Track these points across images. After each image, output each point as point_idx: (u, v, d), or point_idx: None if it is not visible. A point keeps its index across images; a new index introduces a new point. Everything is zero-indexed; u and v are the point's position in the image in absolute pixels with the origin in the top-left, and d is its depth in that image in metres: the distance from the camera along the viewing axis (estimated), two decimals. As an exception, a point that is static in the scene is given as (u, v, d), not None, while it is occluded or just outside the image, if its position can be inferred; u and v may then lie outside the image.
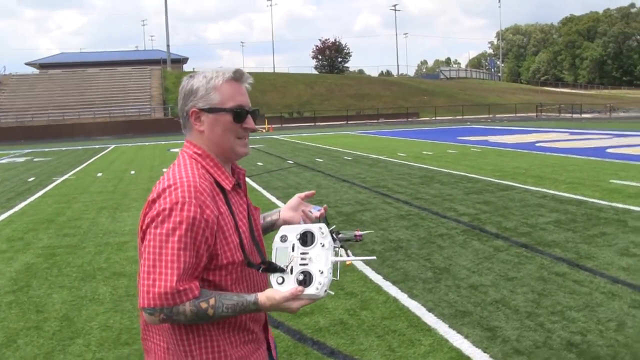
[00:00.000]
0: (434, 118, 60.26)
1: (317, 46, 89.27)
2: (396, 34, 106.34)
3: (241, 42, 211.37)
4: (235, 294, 1.75)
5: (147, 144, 33.80)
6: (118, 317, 5.20)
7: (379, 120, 57.64)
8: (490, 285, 5.53)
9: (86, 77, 63.46)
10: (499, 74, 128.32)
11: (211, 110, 1.80)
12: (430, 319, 4.79)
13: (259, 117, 1.97)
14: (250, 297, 1.72)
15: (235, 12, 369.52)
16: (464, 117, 59.89)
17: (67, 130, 48.27)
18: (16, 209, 11.52)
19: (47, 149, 32.65)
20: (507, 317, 4.72)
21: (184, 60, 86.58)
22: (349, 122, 55.85)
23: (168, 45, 73.61)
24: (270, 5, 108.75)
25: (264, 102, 62.33)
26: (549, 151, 18.98)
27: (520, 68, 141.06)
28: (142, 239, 1.73)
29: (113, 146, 32.83)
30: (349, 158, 19.09)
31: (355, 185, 12.68)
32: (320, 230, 1.78)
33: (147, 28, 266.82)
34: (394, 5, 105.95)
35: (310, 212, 2.06)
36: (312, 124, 55.32)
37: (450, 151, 20.39)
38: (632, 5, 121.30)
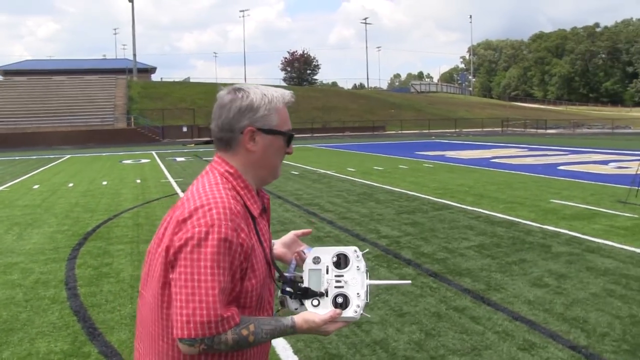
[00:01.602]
0: (400, 132, 60.09)
1: (285, 58, 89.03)
2: (366, 47, 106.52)
3: (214, 52, 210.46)
4: (272, 318, 1.70)
5: (104, 154, 32.90)
6: None
7: (345, 134, 57.24)
8: (378, 322, 4.97)
9: (49, 85, 62.19)
10: (470, 89, 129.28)
11: (270, 131, 1.76)
12: (291, 364, 4.21)
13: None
14: (287, 321, 1.69)
15: (211, 22, 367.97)
16: (431, 131, 59.82)
17: (27, 139, 46.92)
18: None
19: (-3, 159, 31.60)
20: (378, 364, 4.17)
21: (152, 69, 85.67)
22: (314, 135, 55.34)
23: (134, 55, 72.77)
24: (243, 16, 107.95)
25: (230, 113, 61.67)
26: (502, 167, 18.64)
27: (492, 83, 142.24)
28: (169, 263, 1.62)
29: (68, 156, 31.85)
30: (296, 173, 18.52)
31: (288, 202, 12.11)
32: (355, 253, 1.77)
33: (120, 37, 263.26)
34: (365, 19, 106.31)
35: (304, 252, 1.95)
36: (278, 136, 54.71)
37: (401, 166, 19.96)
38: (597, 24, 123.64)
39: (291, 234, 2.05)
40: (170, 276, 1.62)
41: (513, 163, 20.34)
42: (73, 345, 4.69)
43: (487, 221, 9.50)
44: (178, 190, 14.76)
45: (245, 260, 1.64)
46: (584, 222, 9.24)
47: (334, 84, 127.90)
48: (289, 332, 1.69)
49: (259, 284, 1.70)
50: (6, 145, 45.20)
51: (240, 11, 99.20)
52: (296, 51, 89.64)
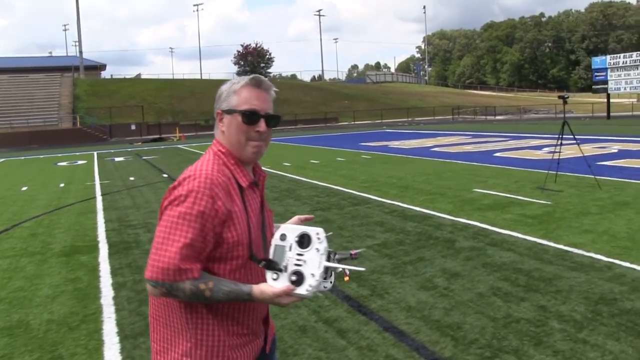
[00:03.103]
0: (352, 122, 59.83)
1: (238, 52, 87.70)
2: (320, 39, 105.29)
3: (170, 48, 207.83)
4: (233, 282, 1.86)
5: (41, 156, 31.73)
6: None
7: (297, 126, 56.72)
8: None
9: (-13, 85, 59.82)
10: (426, 78, 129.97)
11: (228, 111, 1.98)
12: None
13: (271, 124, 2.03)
14: (246, 288, 1.84)
15: (169, 17, 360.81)
16: (383, 121, 59.72)
17: (-40, 143, 45.11)
18: None
19: None
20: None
21: (102, 66, 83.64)
22: (266, 129, 54.60)
23: (80, 52, 70.80)
24: (197, 10, 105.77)
25: (180, 109, 60.65)
26: (439, 156, 18.36)
27: (447, 72, 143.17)
28: (160, 221, 1.87)
29: (1, 160, 30.67)
30: (229, 169, 17.89)
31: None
32: (317, 235, 1.86)
33: (71, 33, 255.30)
34: (318, 11, 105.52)
35: None
36: (228, 131, 53.57)
37: (339, 159, 19.54)
38: (542, 14, 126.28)
39: (295, 218, 2.15)
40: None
41: (451, 151, 20.09)
42: None
43: (401, 215, 9.10)
44: (99, 193, 14.08)
45: (220, 225, 1.83)
46: (497, 212, 8.92)
47: (294, 76, 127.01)
48: (246, 298, 1.84)
49: (237, 245, 1.87)
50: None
51: (194, 5, 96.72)
52: (249, 44, 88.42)
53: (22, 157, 31.81)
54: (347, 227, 8.46)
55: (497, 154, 18.15)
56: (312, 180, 14.02)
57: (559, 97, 11.37)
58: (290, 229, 1.91)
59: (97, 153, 31.59)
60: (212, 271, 1.87)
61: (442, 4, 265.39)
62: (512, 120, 50.70)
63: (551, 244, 6.88)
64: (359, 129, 44.96)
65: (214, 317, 1.90)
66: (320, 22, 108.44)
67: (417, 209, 9.61)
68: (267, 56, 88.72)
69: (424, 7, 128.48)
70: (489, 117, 56.72)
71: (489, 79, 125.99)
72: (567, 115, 52.93)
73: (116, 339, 4.76)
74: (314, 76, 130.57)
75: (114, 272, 6.84)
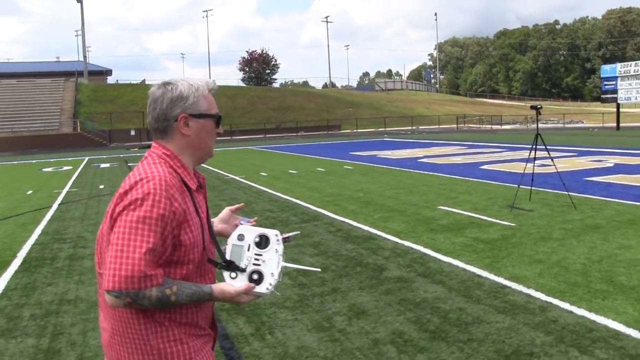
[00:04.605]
0: (355, 130, 59.01)
1: (243, 58, 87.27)
2: (328, 45, 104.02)
3: (181, 53, 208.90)
4: (193, 284, 1.84)
5: (32, 161, 31.20)
6: None
7: (298, 134, 55.94)
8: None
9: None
10: (437, 86, 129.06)
11: (201, 116, 1.95)
12: None
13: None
14: (206, 288, 1.84)
15: (183, 23, 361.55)
16: (386, 129, 58.84)
17: (-41, 146, 44.76)
18: None
19: None
20: None
21: (107, 72, 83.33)
22: (267, 136, 53.97)
23: (85, 57, 70.62)
24: (207, 16, 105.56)
25: (183, 115, 60.02)
26: (421, 168, 17.48)
27: (459, 80, 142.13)
28: (111, 228, 1.79)
29: (-8, 164, 30.18)
30: (201, 179, 17.14)
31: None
32: (276, 237, 1.91)
33: (84, 39, 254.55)
34: (326, 17, 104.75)
35: (241, 223, 2.15)
36: (229, 137, 52.58)
37: (319, 169, 18.70)
38: (557, 22, 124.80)
39: (226, 210, 2.23)
40: (110, 238, 1.77)
41: (438, 163, 19.19)
42: None
43: (344, 236, 8.28)
44: (58, 202, 13.42)
45: (177, 227, 1.79)
46: (450, 234, 8.06)
47: (305, 83, 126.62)
48: (207, 298, 1.84)
49: (193, 248, 1.84)
50: None
51: (204, 11, 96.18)
52: (255, 51, 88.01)
53: (15, 162, 31.29)
54: (279, 248, 7.66)
55: (484, 167, 17.28)
56: (276, 193, 13.23)
57: (532, 107, 10.48)
58: (248, 230, 1.93)
59: (89, 159, 31.02)
60: (168, 276, 1.81)
61: (457, 12, 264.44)
62: (518, 130, 49.66)
63: (491, 276, 6.03)
64: (360, 137, 44.13)
65: (171, 321, 1.84)
66: (327, 29, 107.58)
67: (366, 228, 8.79)
68: (273, 62, 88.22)
69: (435, 15, 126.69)
70: (494, 127, 55.71)
71: (502, 87, 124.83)
72: (578, 125, 52.03)
73: None
74: (325, 83, 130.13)
75: (3, 294, 6.13)
